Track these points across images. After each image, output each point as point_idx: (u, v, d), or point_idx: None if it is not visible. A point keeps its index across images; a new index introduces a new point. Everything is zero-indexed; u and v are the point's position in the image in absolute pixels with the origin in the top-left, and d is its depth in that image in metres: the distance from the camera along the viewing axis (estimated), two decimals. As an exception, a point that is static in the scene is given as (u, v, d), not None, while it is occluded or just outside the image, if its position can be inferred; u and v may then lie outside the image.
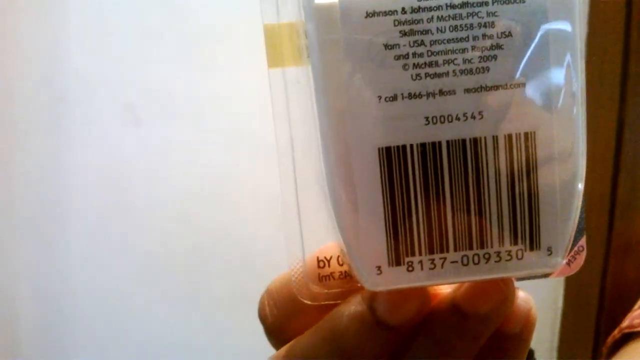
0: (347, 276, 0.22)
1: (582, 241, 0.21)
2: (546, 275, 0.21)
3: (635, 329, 0.39)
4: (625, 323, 0.40)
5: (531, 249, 0.19)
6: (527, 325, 0.21)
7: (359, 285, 0.22)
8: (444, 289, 0.22)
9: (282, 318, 0.23)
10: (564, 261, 0.19)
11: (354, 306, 0.21)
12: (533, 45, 0.18)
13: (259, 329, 0.24)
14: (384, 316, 0.20)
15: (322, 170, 0.20)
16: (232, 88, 0.65)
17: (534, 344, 0.24)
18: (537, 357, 0.29)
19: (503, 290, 0.20)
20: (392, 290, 0.20)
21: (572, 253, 0.21)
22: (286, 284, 0.23)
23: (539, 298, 0.72)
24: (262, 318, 0.24)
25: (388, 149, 0.18)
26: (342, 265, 0.22)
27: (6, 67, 0.63)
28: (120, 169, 0.67)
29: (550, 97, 0.18)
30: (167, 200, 0.69)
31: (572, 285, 0.74)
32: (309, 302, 0.23)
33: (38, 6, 0.62)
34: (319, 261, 0.22)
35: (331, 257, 0.22)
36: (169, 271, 0.71)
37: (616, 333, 0.40)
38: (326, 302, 0.22)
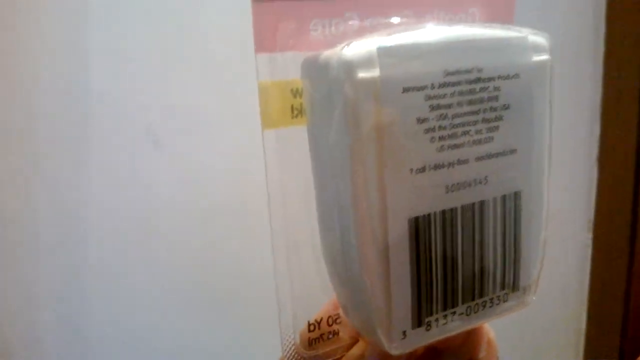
0: (335, 335, 0.22)
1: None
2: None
3: None
4: None
5: (513, 291, 0.21)
6: (490, 349, 0.24)
7: (345, 343, 0.22)
8: None
9: None
10: (534, 298, 0.22)
11: None
12: (523, 116, 0.20)
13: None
14: None
15: (324, 240, 0.19)
16: (251, 109, 0.60)
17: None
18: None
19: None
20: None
21: None
22: None
23: (563, 324, 0.77)
24: None
25: (416, 218, 0.18)
26: (331, 325, 0.22)
27: (29, 86, 0.61)
28: (141, 188, 0.65)
29: (532, 160, 0.21)
30: (189, 219, 0.67)
31: (595, 309, 0.76)
32: None
33: (60, 26, 0.60)
34: (309, 325, 0.21)
35: (321, 319, 0.21)
36: (192, 289, 0.68)
37: None
38: None
